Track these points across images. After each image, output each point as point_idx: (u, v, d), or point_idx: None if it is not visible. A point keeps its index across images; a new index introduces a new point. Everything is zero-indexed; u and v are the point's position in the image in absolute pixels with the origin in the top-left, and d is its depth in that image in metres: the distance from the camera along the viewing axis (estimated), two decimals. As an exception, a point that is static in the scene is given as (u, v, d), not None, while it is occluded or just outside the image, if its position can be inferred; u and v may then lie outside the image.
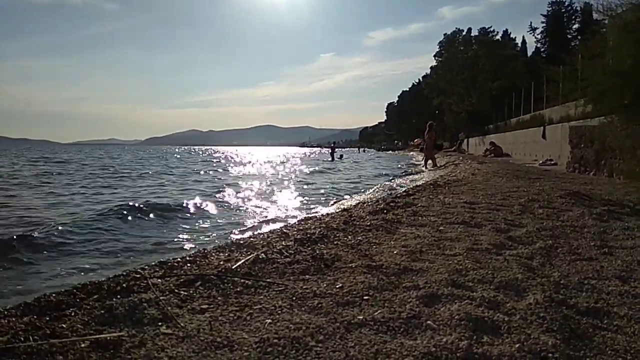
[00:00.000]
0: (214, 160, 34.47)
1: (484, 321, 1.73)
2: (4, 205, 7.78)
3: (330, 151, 38.71)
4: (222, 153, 64.81)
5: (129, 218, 6.39)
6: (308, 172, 19.93)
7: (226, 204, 8.38)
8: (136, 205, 7.18)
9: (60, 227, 5.39)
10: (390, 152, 75.39)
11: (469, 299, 1.96)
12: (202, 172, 19.25)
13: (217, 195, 9.73)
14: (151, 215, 6.71)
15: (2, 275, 3.76)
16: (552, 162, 15.10)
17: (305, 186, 12.50)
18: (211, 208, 7.70)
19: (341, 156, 37.58)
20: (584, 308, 1.96)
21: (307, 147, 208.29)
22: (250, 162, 28.63)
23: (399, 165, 25.15)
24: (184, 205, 7.76)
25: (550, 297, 2.00)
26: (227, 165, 26.28)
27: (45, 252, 4.50)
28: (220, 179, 15.54)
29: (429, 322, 1.73)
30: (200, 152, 72.98)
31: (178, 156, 43.45)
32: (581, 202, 4.99)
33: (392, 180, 12.92)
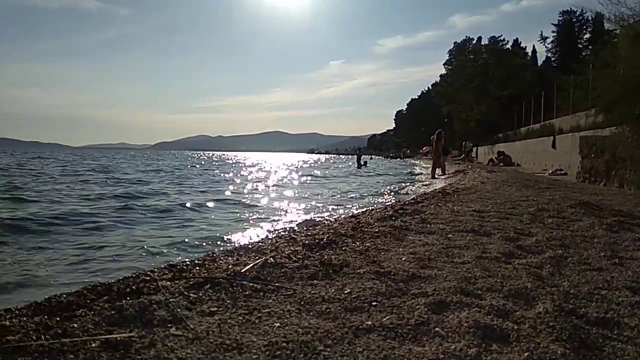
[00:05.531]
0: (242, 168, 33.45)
1: (493, 329, 1.73)
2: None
3: (356, 159, 39.89)
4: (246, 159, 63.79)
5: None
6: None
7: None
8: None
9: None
10: (398, 159, 75.14)
11: (478, 306, 1.96)
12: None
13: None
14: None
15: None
16: (562, 172, 15.00)
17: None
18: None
19: (365, 163, 37.92)
20: (593, 318, 1.94)
21: (316, 153, 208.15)
22: (276, 172, 26.97)
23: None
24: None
25: (560, 307, 1.99)
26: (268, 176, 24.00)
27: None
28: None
29: (437, 329, 1.73)
30: (230, 160, 71.19)
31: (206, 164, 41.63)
32: (591, 213, 4.95)
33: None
